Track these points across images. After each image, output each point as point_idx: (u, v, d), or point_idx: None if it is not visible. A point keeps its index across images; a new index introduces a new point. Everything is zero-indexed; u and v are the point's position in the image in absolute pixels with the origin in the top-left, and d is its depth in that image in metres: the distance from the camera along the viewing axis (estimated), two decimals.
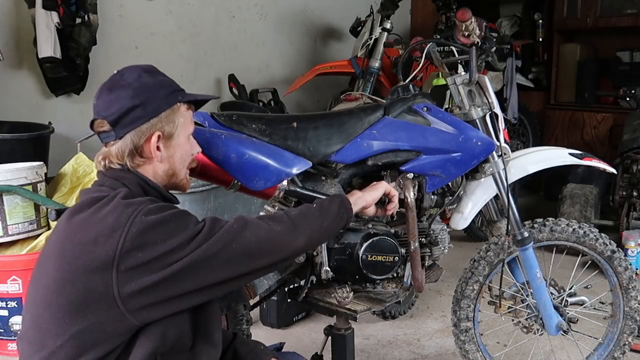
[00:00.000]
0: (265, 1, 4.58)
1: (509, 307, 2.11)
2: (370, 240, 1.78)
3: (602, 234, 2.12)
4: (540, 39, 4.97)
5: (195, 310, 1.31)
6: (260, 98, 4.35)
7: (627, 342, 2.21)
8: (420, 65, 2.18)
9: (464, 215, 2.00)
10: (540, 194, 5.09)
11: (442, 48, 2.48)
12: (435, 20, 4.74)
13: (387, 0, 4.09)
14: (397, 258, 1.80)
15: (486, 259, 2.10)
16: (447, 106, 2.78)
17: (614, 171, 2.21)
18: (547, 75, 5.19)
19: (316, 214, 1.43)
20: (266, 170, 1.68)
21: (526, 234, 2.00)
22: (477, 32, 2.07)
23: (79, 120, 3.44)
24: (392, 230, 1.85)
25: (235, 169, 1.67)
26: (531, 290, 2.07)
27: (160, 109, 1.31)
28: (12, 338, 2.38)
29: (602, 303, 2.47)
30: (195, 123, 1.57)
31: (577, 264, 2.28)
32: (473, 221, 2.18)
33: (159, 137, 1.31)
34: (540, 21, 4.93)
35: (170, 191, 1.42)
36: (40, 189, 2.46)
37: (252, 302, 1.97)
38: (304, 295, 1.86)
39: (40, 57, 3.17)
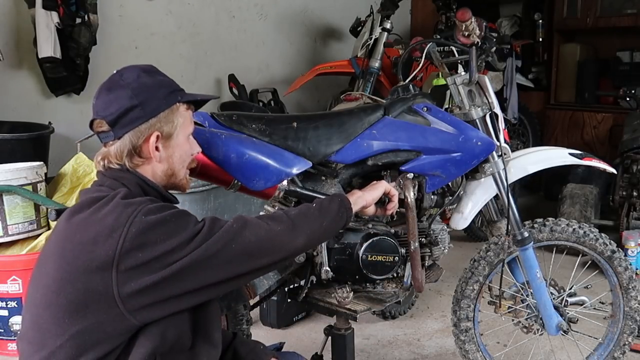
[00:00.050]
0: (265, 1, 4.58)
1: (509, 307, 2.11)
2: (370, 240, 1.78)
3: (602, 234, 2.12)
4: (540, 39, 4.97)
5: (195, 310, 1.31)
6: (260, 98, 4.36)
7: (627, 342, 2.21)
8: (420, 65, 2.18)
9: (464, 215, 2.00)
10: (540, 194, 5.09)
11: (442, 48, 2.48)
12: (435, 20, 4.74)
13: (387, 0, 4.09)
14: (397, 258, 1.80)
15: (486, 259, 2.10)
16: (447, 106, 2.78)
17: (614, 171, 2.21)
18: (547, 75, 5.19)
19: (316, 214, 1.43)
20: (266, 170, 1.68)
21: (526, 234, 2.00)
22: (477, 32, 2.07)
23: (79, 120, 3.44)
24: (392, 230, 1.85)
25: (235, 169, 1.67)
26: (531, 290, 2.07)
27: (159, 109, 1.31)
28: (12, 338, 2.38)
29: (602, 303, 2.48)
30: (195, 123, 1.57)
31: (577, 264, 2.28)
32: (473, 221, 2.18)
33: (157, 137, 1.31)
34: (540, 21, 4.93)
35: (170, 191, 1.42)
36: (40, 189, 2.46)
37: (252, 302, 1.97)
38: (304, 295, 1.86)
39: (40, 57, 3.17)
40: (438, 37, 2.40)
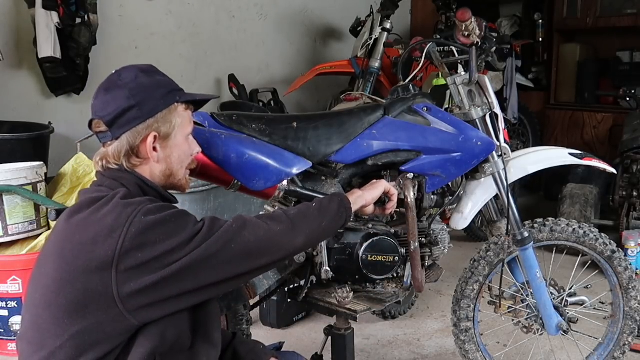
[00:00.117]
0: (265, 1, 4.58)
1: (509, 307, 2.11)
2: (370, 240, 1.78)
3: (602, 234, 2.12)
4: (540, 39, 4.97)
5: (195, 309, 1.31)
6: (260, 98, 4.36)
7: (627, 342, 2.21)
8: (420, 65, 2.18)
9: (464, 215, 2.00)
10: (540, 194, 5.09)
11: (442, 48, 2.48)
12: (435, 20, 4.74)
13: (387, 0, 4.09)
14: (397, 258, 1.80)
15: (486, 259, 2.10)
16: (447, 106, 2.78)
17: (614, 171, 2.21)
18: (547, 75, 5.19)
19: (315, 214, 1.43)
20: (266, 170, 1.68)
21: (526, 234, 2.00)
22: (477, 32, 2.07)
23: (79, 120, 3.45)
24: (392, 230, 1.85)
25: (235, 169, 1.67)
26: (531, 290, 2.07)
27: (156, 110, 1.30)
28: (12, 338, 2.38)
29: (602, 303, 2.47)
30: (195, 123, 1.57)
31: (577, 264, 2.28)
32: (473, 221, 2.18)
33: (155, 137, 1.31)
34: (540, 21, 4.93)
35: (170, 191, 1.42)
36: (40, 189, 2.46)
37: (252, 302, 1.97)
38: (304, 295, 1.86)
39: (40, 57, 3.17)
40: (438, 37, 2.40)
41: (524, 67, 4.81)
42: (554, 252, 2.21)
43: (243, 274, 1.29)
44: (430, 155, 1.81)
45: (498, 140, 1.97)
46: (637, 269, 3.15)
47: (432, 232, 1.90)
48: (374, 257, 1.78)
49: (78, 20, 3.32)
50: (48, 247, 1.26)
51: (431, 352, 2.61)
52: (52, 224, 2.48)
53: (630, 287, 2.15)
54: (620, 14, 4.59)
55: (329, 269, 1.75)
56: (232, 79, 4.16)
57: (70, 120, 3.46)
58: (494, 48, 2.19)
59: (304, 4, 4.84)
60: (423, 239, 1.88)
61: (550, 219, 2.11)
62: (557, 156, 2.07)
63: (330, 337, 1.96)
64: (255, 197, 2.02)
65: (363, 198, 1.58)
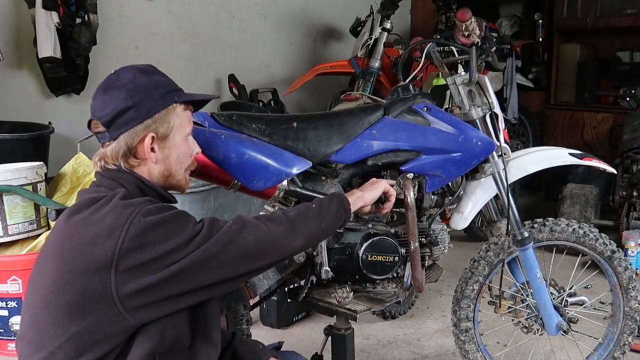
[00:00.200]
0: (265, 1, 4.58)
1: (509, 307, 2.11)
2: (370, 240, 1.78)
3: (602, 234, 2.12)
4: (540, 39, 4.97)
5: (194, 309, 1.31)
6: (260, 98, 4.36)
7: (627, 342, 2.20)
8: (420, 65, 2.18)
9: (464, 215, 2.00)
10: (540, 194, 5.09)
11: (442, 48, 2.48)
12: (435, 20, 4.74)
13: (387, 0, 4.09)
14: (397, 258, 1.80)
15: (486, 259, 2.10)
16: (447, 106, 2.78)
17: (614, 171, 2.21)
18: (547, 75, 5.19)
19: (315, 215, 1.43)
20: (266, 170, 1.68)
21: (526, 234, 2.00)
22: (477, 32, 2.07)
23: (79, 120, 3.44)
24: (392, 230, 1.85)
25: (235, 169, 1.67)
26: (531, 290, 2.07)
27: (154, 110, 1.30)
28: (12, 338, 2.38)
29: (602, 303, 2.47)
30: (195, 123, 1.57)
31: (577, 264, 2.28)
32: (473, 221, 2.18)
33: (153, 138, 1.30)
34: (540, 21, 4.93)
35: (169, 191, 1.41)
36: (40, 189, 2.46)
37: (252, 302, 1.97)
38: (304, 295, 1.86)
39: (40, 57, 3.17)
40: (438, 37, 2.40)
41: (524, 67, 4.81)
42: (554, 252, 2.21)
43: (242, 274, 1.30)
44: (430, 155, 1.81)
45: (498, 140, 1.97)
46: (637, 269, 3.15)
47: (432, 232, 1.90)
48: (374, 257, 1.78)
49: (78, 20, 3.32)
50: (47, 247, 1.26)
51: (431, 352, 2.61)
52: (52, 224, 2.48)
53: (630, 287, 2.15)
54: (620, 14, 4.59)
55: (329, 269, 1.75)
56: (232, 79, 4.16)
57: (70, 120, 3.46)
58: (494, 48, 2.19)
59: (304, 4, 4.84)
60: (423, 239, 1.88)
61: (550, 219, 2.11)
62: (557, 156, 2.06)
63: (330, 337, 1.96)
64: (255, 197, 2.02)
65: (362, 199, 1.58)
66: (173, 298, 1.21)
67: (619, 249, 2.14)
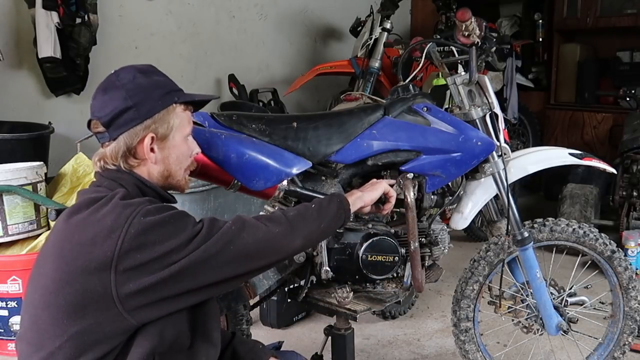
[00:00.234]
0: (265, 1, 4.58)
1: (509, 307, 2.11)
2: (370, 240, 1.78)
3: (602, 234, 2.12)
4: (540, 39, 4.97)
5: (193, 309, 1.31)
6: (260, 98, 4.35)
7: (627, 342, 2.20)
8: (420, 65, 2.18)
9: (464, 215, 2.00)
10: (540, 194, 5.09)
11: (442, 48, 2.48)
12: (435, 20, 4.74)
13: (387, 0, 4.09)
14: (397, 258, 1.80)
15: (486, 259, 2.10)
16: (447, 106, 2.78)
17: (614, 171, 2.21)
18: (547, 75, 5.19)
19: (314, 215, 1.43)
20: (266, 170, 1.68)
21: (526, 234, 2.00)
22: (477, 32, 2.07)
23: (79, 120, 3.44)
24: (392, 230, 1.85)
25: (235, 169, 1.67)
26: (531, 290, 2.07)
27: (153, 111, 1.30)
28: (12, 338, 2.38)
29: (602, 303, 2.47)
30: (195, 123, 1.57)
31: (577, 264, 2.28)
32: (473, 221, 2.18)
33: (152, 138, 1.30)
34: (540, 21, 4.93)
35: (169, 191, 1.41)
36: (40, 189, 2.46)
37: (252, 302, 1.97)
38: (304, 295, 1.86)
39: (40, 57, 3.17)
40: (438, 37, 2.40)
41: (524, 67, 4.81)
42: (554, 252, 2.21)
43: (242, 274, 1.30)
44: (430, 155, 1.81)
45: (498, 140, 1.97)
46: (637, 269, 3.15)
47: (432, 232, 1.90)
48: (374, 257, 1.78)
49: (78, 20, 3.32)
50: (47, 248, 1.26)
51: (431, 352, 2.61)
52: (52, 224, 2.48)
53: (630, 287, 2.15)
54: (620, 14, 4.58)
55: (329, 269, 1.75)
56: (232, 79, 4.16)
57: (70, 120, 3.46)
58: (494, 48, 2.19)
59: (304, 4, 4.84)
60: (423, 239, 1.88)
61: (550, 219, 2.11)
62: (557, 156, 2.06)
63: (330, 337, 1.96)
64: (255, 197, 2.02)
65: (362, 199, 1.58)
66: (173, 298, 1.21)
67: (619, 249, 2.14)
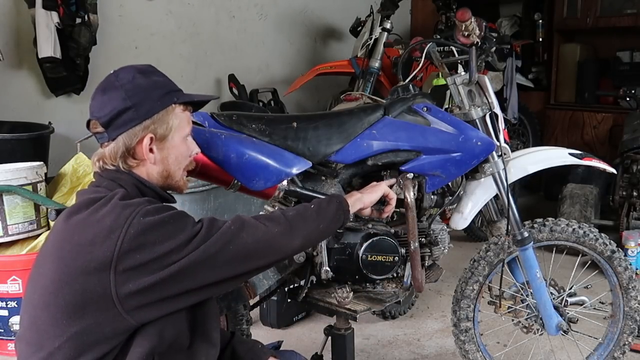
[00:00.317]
0: (265, 1, 4.58)
1: (509, 307, 2.11)
2: (370, 240, 1.78)
3: (602, 234, 2.12)
4: (540, 39, 4.97)
5: (193, 309, 1.31)
6: (260, 98, 4.35)
7: (627, 342, 2.20)
8: (420, 65, 2.18)
9: (464, 215, 2.00)
10: (540, 194, 5.09)
11: (442, 48, 2.48)
12: (435, 20, 4.74)
13: (387, 0, 4.09)
14: (397, 258, 1.80)
15: (486, 259, 2.10)
16: (447, 106, 2.78)
17: (614, 171, 2.21)
18: (547, 75, 5.19)
19: (313, 216, 1.43)
20: (266, 170, 1.68)
21: (526, 234, 2.00)
22: (477, 32, 2.06)
23: (79, 120, 3.44)
24: (392, 230, 1.85)
25: (235, 169, 1.67)
26: (531, 290, 2.07)
27: (152, 111, 1.30)
28: (12, 338, 2.38)
29: (602, 303, 2.47)
30: (195, 123, 1.57)
31: (577, 264, 2.28)
32: (473, 221, 2.18)
33: (151, 139, 1.30)
34: (540, 21, 4.93)
35: (168, 191, 1.41)
36: (40, 189, 2.46)
37: (252, 302, 1.97)
38: (304, 295, 1.86)
39: (40, 57, 3.17)
40: (438, 37, 2.40)
41: (524, 67, 4.81)
42: (554, 252, 2.21)
43: (241, 274, 1.30)
44: (430, 155, 1.81)
45: (498, 140, 1.97)
46: (637, 269, 3.15)
47: (432, 232, 1.90)
48: (374, 257, 1.78)
49: (78, 20, 3.32)
50: (46, 248, 1.26)
51: (431, 352, 2.61)
52: (52, 224, 2.48)
53: (630, 287, 2.15)
54: (620, 14, 4.58)
55: (328, 269, 1.75)
56: (232, 79, 4.16)
57: (70, 120, 3.46)
58: (494, 48, 2.18)
59: (304, 4, 4.84)
60: (423, 239, 1.88)
61: (550, 219, 2.11)
62: (557, 156, 2.06)
63: (330, 337, 1.96)
64: (255, 197, 2.02)
65: (361, 201, 1.58)
66: (172, 298, 1.21)
67: (619, 249, 2.14)
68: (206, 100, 1.44)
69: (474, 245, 3.71)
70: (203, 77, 4.27)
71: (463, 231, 3.01)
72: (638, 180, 3.51)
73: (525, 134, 4.81)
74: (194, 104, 1.42)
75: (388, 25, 4.00)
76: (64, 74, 3.30)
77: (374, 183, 1.68)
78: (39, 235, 2.46)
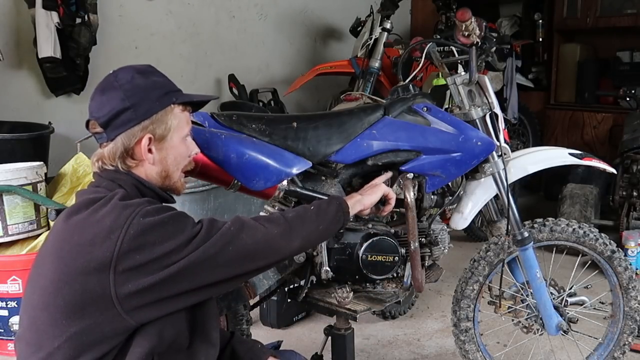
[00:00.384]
0: (265, 1, 4.58)
1: (509, 307, 2.11)
2: (370, 240, 1.78)
3: (602, 234, 2.12)
4: (540, 39, 4.97)
5: (193, 309, 1.31)
6: (260, 98, 4.35)
7: (627, 342, 2.20)
8: (420, 65, 2.18)
9: (464, 215, 2.00)
10: (540, 194, 5.09)
11: (442, 48, 2.48)
12: (435, 20, 4.74)
13: (387, 0, 4.09)
14: (397, 258, 1.80)
15: (486, 259, 2.10)
16: (447, 106, 2.78)
17: (614, 171, 2.21)
18: (547, 75, 5.19)
19: (313, 217, 1.43)
20: (266, 170, 1.68)
21: (526, 234, 2.00)
22: (477, 32, 2.06)
23: (79, 120, 3.42)
24: (392, 230, 1.85)
25: (235, 169, 1.67)
26: (531, 290, 2.07)
27: (151, 111, 1.29)
28: (12, 338, 2.38)
29: (602, 303, 2.47)
30: (195, 123, 1.57)
31: (577, 264, 2.28)
32: (473, 221, 2.18)
33: (150, 139, 1.30)
34: (540, 21, 4.93)
35: (167, 192, 1.41)
36: (40, 189, 2.46)
37: (252, 302, 1.97)
38: (304, 295, 1.86)
39: (40, 57, 3.17)
40: (438, 37, 2.40)
41: (524, 67, 4.81)
42: (554, 252, 2.21)
43: (241, 275, 1.30)
44: (430, 155, 1.81)
45: (498, 140, 1.97)
46: (637, 269, 3.15)
47: (432, 232, 1.90)
48: (374, 257, 1.78)
49: (78, 20, 3.32)
50: (46, 248, 1.26)
51: (431, 352, 2.61)
52: (52, 224, 2.48)
53: (630, 287, 2.15)
54: (620, 14, 4.58)
55: (329, 269, 1.75)
56: (232, 79, 4.16)
57: (70, 120, 3.46)
58: (494, 48, 2.18)
59: (304, 4, 4.84)
60: (423, 239, 1.88)
61: (550, 219, 2.11)
62: (557, 156, 2.06)
63: (330, 337, 1.96)
64: (255, 197, 2.02)
65: (361, 203, 1.58)
66: (172, 298, 1.21)
67: (619, 249, 2.14)
68: (206, 100, 1.43)
69: (474, 245, 3.71)
70: (203, 77, 4.27)
71: (463, 231, 3.01)
72: (638, 180, 3.51)
73: (525, 134, 4.81)
74: (194, 104, 1.42)
75: (388, 25, 4.00)
76: (64, 74, 3.30)
77: (374, 183, 1.68)
78: (39, 235, 2.46)
